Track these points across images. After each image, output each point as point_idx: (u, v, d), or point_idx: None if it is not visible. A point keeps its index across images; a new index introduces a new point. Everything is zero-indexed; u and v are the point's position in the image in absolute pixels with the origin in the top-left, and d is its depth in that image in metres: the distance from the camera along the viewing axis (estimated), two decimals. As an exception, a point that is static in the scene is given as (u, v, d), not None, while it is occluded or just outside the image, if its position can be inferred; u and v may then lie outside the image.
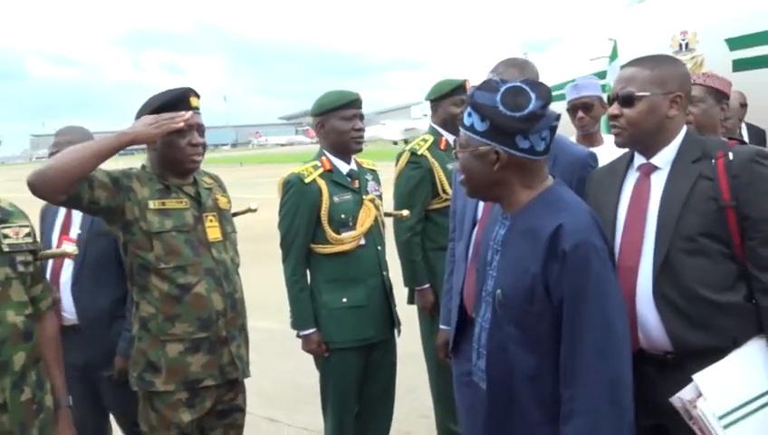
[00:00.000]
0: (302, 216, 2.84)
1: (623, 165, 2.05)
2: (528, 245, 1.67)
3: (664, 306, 1.83)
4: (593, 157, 2.33)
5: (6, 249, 1.96)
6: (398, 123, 72.48)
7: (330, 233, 2.85)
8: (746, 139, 4.03)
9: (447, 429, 3.40)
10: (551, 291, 1.62)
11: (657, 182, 1.92)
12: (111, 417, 2.99)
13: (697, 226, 1.81)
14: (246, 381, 2.54)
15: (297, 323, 2.90)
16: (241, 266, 2.55)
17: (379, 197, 3.07)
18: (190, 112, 2.31)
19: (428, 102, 3.60)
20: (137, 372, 2.36)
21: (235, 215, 2.69)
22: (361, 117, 2.95)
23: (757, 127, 4.65)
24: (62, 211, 2.79)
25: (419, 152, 3.39)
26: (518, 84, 1.65)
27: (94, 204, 2.20)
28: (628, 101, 1.92)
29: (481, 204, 2.33)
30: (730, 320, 1.79)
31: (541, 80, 1.89)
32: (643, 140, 1.94)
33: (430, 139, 3.46)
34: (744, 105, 4.13)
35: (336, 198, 2.87)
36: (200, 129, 2.39)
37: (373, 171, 3.15)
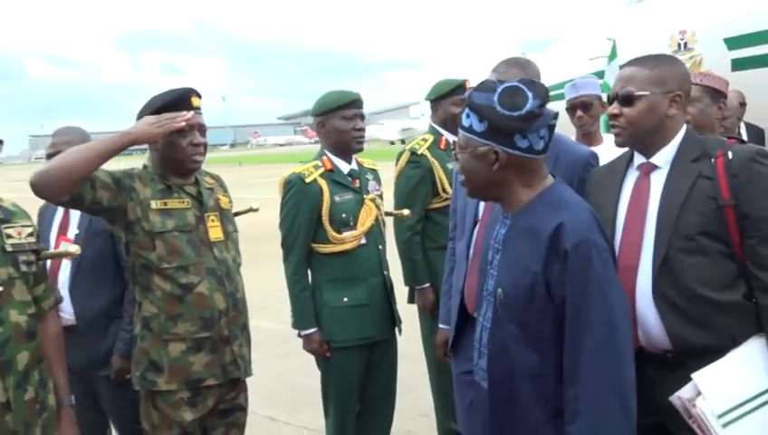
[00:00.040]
0: (303, 215, 2.84)
1: (623, 164, 2.05)
2: (528, 244, 1.67)
3: (663, 305, 1.84)
4: (595, 156, 2.33)
5: (9, 249, 1.97)
6: (395, 123, 72.40)
7: (331, 232, 2.85)
8: (745, 138, 4.04)
9: (448, 427, 3.41)
10: (552, 290, 1.62)
11: (657, 181, 1.93)
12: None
13: (697, 225, 1.82)
14: (248, 380, 2.55)
15: (298, 323, 2.90)
16: (242, 266, 2.56)
17: (380, 196, 3.08)
18: (192, 112, 2.31)
19: (427, 102, 3.61)
20: (139, 371, 2.36)
21: (236, 214, 2.70)
22: (362, 117, 2.96)
23: (756, 126, 4.67)
24: (60, 211, 2.80)
25: (419, 152, 3.40)
26: (515, 84, 1.66)
27: (96, 204, 2.21)
28: (627, 100, 1.93)
29: (482, 203, 2.34)
30: (729, 319, 1.80)
31: (541, 79, 1.89)
32: (643, 139, 1.95)
33: (430, 138, 3.46)
34: (742, 104, 4.14)
35: (337, 198, 2.87)
36: (201, 129, 2.39)
37: (374, 171, 3.16)
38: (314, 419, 3.70)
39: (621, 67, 2.08)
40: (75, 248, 2.25)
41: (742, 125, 4.37)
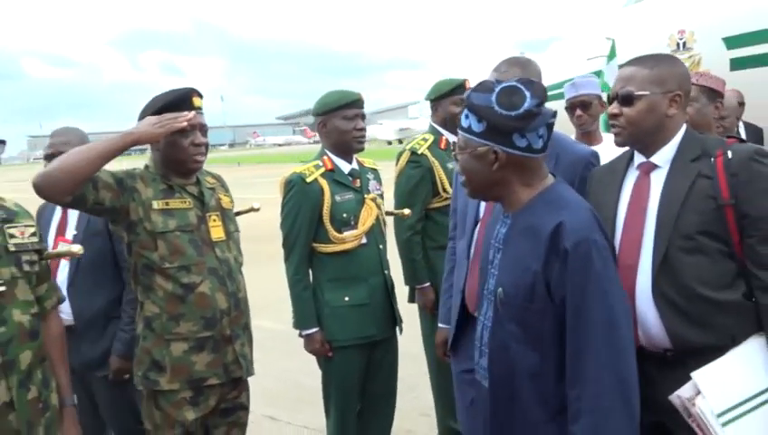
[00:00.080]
0: (303, 215, 2.85)
1: (623, 163, 2.06)
2: (529, 243, 1.68)
3: (663, 304, 1.84)
4: (596, 156, 2.32)
5: (12, 249, 1.97)
6: (393, 123, 72.39)
7: (331, 232, 2.86)
8: (744, 137, 4.05)
9: (448, 426, 3.42)
10: (552, 289, 1.63)
11: (657, 181, 1.94)
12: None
13: (696, 224, 1.82)
14: (249, 379, 2.55)
15: (300, 323, 2.91)
16: (243, 266, 2.56)
17: (381, 196, 3.09)
18: (193, 112, 2.32)
19: (427, 102, 3.61)
20: (141, 371, 2.37)
21: (238, 214, 2.70)
22: (363, 117, 2.96)
23: (755, 125, 4.67)
24: (59, 212, 2.80)
25: (419, 151, 3.40)
26: (513, 84, 1.67)
27: (99, 205, 2.21)
28: (627, 100, 1.93)
29: (483, 202, 2.34)
30: (729, 318, 1.81)
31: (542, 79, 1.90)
32: (643, 138, 1.96)
33: (430, 138, 3.47)
34: (741, 104, 4.14)
35: (338, 198, 2.88)
36: (203, 129, 2.40)
37: (374, 170, 3.17)
38: (315, 418, 3.70)
39: (621, 67, 2.09)
40: (78, 248, 2.25)
41: (740, 124, 4.37)
